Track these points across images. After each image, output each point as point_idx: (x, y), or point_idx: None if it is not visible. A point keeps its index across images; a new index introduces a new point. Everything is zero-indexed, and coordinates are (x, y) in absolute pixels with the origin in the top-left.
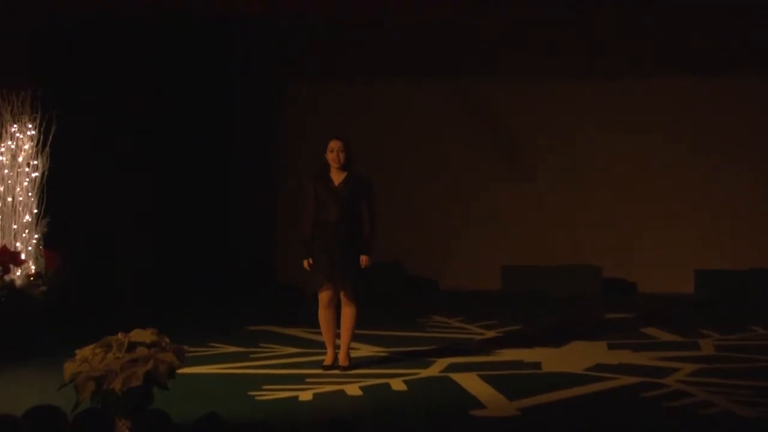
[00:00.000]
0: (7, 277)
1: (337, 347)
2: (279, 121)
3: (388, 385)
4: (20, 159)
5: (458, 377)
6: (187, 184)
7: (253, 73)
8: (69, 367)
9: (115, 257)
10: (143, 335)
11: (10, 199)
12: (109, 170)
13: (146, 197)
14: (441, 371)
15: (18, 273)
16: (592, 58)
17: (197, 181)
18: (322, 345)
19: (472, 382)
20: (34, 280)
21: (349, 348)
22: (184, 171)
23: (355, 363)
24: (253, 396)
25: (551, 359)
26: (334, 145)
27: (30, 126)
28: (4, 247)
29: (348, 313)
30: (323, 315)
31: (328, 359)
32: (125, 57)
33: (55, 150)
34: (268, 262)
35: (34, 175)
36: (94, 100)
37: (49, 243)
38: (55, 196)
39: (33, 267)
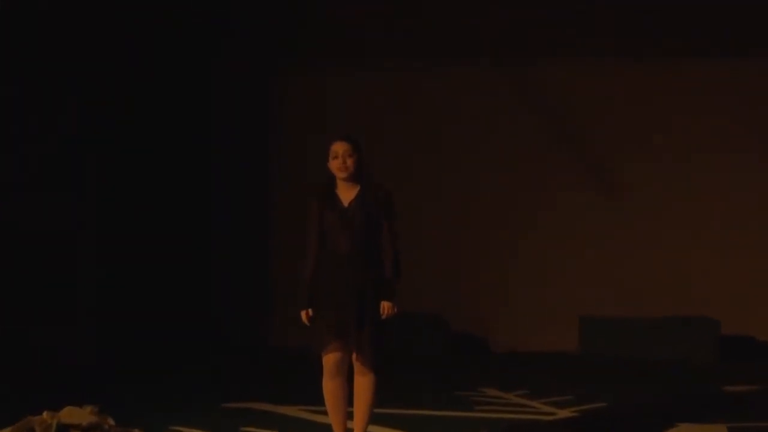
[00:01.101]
0: None
1: None
2: (271, 120)
3: None
4: None
5: None
6: (150, 207)
7: (238, 59)
8: None
9: (49, 297)
10: (78, 415)
11: None
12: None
13: (96, 219)
14: None
15: None
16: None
17: (164, 204)
18: (328, 429)
19: None
20: None
21: None
22: (146, 188)
23: None
24: None
25: None
26: (339, 148)
27: None
28: None
29: (363, 384)
30: (329, 387)
31: None
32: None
33: None
34: (255, 312)
35: None
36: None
37: None
38: None
39: None
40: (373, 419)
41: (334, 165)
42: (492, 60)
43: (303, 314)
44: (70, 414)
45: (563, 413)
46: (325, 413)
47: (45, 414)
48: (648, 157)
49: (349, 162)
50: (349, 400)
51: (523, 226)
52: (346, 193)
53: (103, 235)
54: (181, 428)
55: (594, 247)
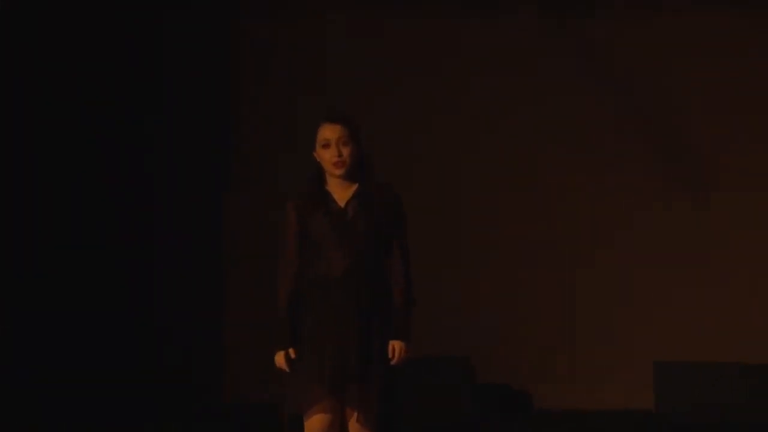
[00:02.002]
0: None
1: None
2: (233, 90)
3: None
4: None
5: None
6: (70, 219)
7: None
8: None
9: None
10: None
11: None
12: None
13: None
14: None
15: None
16: None
17: (88, 215)
18: None
19: None
20: None
21: None
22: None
23: None
24: None
25: None
26: (330, 132)
27: None
28: None
29: None
30: None
31: None
32: None
33: None
34: (210, 363)
35: None
36: None
37: None
38: None
39: None
40: None
41: (324, 156)
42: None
43: (280, 357)
44: None
45: None
46: None
47: None
48: (744, 149)
49: (345, 152)
50: None
51: (576, 243)
52: (341, 193)
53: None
54: None
55: (675, 274)
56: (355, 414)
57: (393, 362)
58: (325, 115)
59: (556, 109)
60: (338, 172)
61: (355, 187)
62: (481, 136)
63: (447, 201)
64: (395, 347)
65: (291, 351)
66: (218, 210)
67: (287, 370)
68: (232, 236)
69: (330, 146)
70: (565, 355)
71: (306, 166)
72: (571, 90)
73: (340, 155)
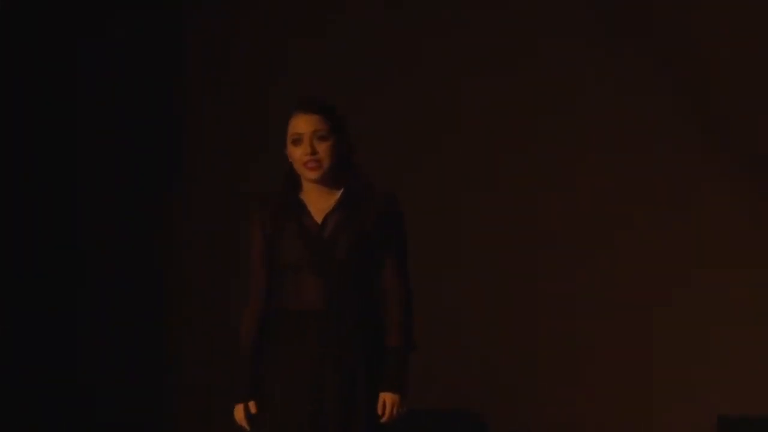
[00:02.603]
0: None
1: None
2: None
3: None
4: None
5: None
6: None
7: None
8: None
9: None
10: None
11: None
12: None
13: None
14: None
15: None
16: None
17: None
18: None
19: None
20: None
21: None
22: None
23: None
24: None
25: None
26: (303, 124)
27: None
28: None
29: None
30: None
31: None
32: None
33: None
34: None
35: None
36: None
37: None
38: None
39: None
40: None
41: (296, 155)
42: None
43: (239, 412)
44: None
45: None
46: None
47: None
48: None
49: (322, 149)
50: None
51: (619, 289)
52: (319, 201)
53: None
54: None
55: (741, 313)
56: None
57: (383, 420)
58: (297, 103)
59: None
60: (312, 175)
61: (337, 195)
62: (514, 143)
63: (460, 218)
64: (386, 401)
65: (252, 404)
66: (159, 225)
67: (248, 428)
68: (176, 265)
69: (302, 142)
70: (603, 406)
71: (277, 168)
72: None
73: (313, 153)
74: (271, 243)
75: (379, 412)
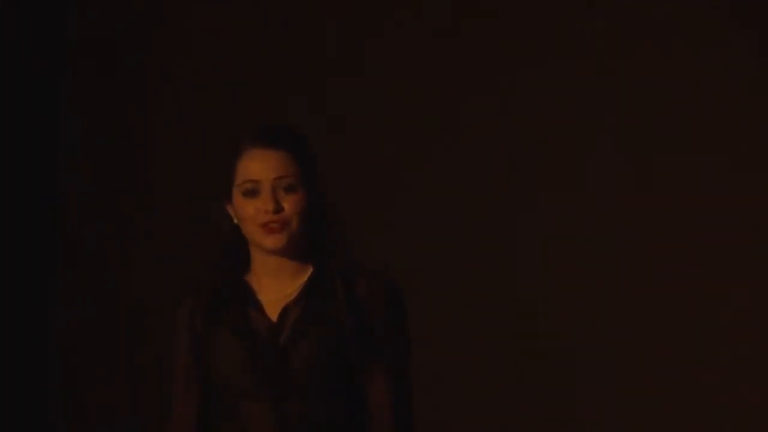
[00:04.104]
0: None
1: None
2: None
3: None
4: None
5: None
6: None
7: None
8: None
9: None
10: None
11: None
12: None
13: None
14: None
15: None
16: None
17: None
18: None
19: None
20: None
21: None
22: None
23: None
24: None
25: None
26: (262, 168)
27: None
28: None
29: None
30: None
31: None
32: None
33: None
34: None
35: None
36: None
37: None
38: None
39: None
40: None
41: (247, 212)
42: None
43: None
44: None
45: None
46: None
47: None
48: None
49: (291, 205)
50: None
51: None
52: (275, 288)
53: None
54: None
55: None
56: None
57: None
58: (251, 135)
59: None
60: (272, 243)
61: (303, 277)
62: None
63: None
64: None
65: None
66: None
67: None
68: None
69: (259, 194)
70: None
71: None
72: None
73: (277, 211)
74: (200, 349)
75: None
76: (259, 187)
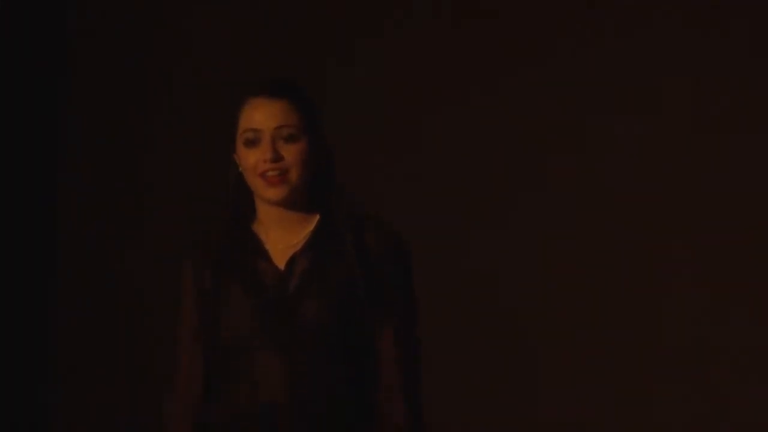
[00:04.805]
0: None
1: None
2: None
3: None
4: None
5: None
6: None
7: None
8: None
9: None
10: None
11: None
12: None
13: None
14: None
15: None
16: None
17: None
18: None
19: None
20: None
21: None
22: None
23: None
24: None
25: None
26: (263, 116)
27: None
28: None
29: None
30: None
31: None
32: None
33: None
34: None
35: None
36: None
37: None
38: None
39: None
40: None
41: (249, 162)
42: None
43: None
44: None
45: None
46: None
47: None
48: None
49: (292, 154)
50: None
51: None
52: (282, 238)
53: None
54: None
55: None
56: None
57: None
58: (254, 85)
59: None
60: (274, 193)
61: (309, 226)
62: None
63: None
64: None
65: None
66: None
67: None
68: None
69: (260, 143)
70: None
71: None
72: None
73: (276, 160)
74: (208, 301)
75: None
76: (260, 136)
